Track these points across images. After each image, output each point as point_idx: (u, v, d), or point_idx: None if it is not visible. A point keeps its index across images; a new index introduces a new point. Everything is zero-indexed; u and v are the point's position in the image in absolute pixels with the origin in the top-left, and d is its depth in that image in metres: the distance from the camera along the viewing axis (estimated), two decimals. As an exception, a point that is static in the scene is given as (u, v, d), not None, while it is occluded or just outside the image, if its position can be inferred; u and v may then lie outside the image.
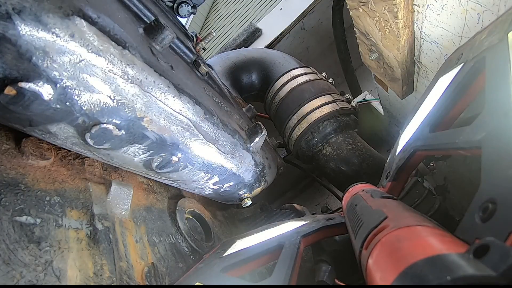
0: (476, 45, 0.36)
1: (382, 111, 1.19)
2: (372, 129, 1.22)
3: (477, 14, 0.42)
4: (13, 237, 0.33)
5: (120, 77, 0.40)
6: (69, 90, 0.36)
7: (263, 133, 0.72)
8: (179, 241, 0.58)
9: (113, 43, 0.39)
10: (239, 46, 1.68)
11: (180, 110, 0.50)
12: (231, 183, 0.69)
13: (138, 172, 0.55)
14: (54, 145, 0.44)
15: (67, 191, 0.43)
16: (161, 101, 0.46)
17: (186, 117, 0.51)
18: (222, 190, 0.70)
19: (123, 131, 0.43)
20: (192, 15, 0.97)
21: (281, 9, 1.70)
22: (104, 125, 0.41)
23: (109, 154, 0.47)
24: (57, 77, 0.34)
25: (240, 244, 0.49)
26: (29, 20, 0.31)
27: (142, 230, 0.52)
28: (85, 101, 0.38)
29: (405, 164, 0.44)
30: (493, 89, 0.28)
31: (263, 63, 1.24)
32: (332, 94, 1.06)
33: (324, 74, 1.18)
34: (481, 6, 0.41)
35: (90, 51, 0.36)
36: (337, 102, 1.03)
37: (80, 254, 0.38)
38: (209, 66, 1.06)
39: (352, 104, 1.08)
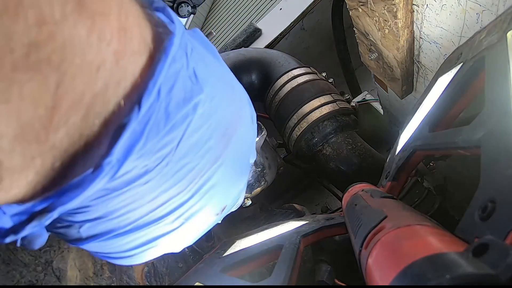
0: (475, 44, 0.36)
1: (381, 111, 1.19)
2: (372, 129, 1.23)
3: (476, 14, 0.42)
4: (13, 237, 0.33)
5: (120, 77, 0.40)
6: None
7: (263, 133, 0.72)
8: (179, 241, 0.58)
9: (112, 43, 0.39)
10: (239, 46, 1.68)
11: (180, 110, 0.50)
12: (231, 183, 0.69)
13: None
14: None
15: (67, 191, 0.43)
16: (161, 101, 0.46)
17: (186, 117, 0.51)
18: (222, 190, 0.70)
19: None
20: (192, 15, 0.97)
21: (280, 9, 1.70)
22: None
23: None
24: (57, 77, 0.34)
25: (240, 244, 0.49)
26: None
27: (142, 230, 0.52)
28: (85, 101, 0.38)
29: (405, 164, 0.44)
30: (492, 88, 0.28)
31: (263, 63, 1.24)
32: (332, 94, 1.06)
33: (324, 74, 1.18)
34: (480, 6, 0.41)
35: (89, 51, 0.36)
36: (337, 102, 1.03)
37: (80, 254, 0.38)
38: (209, 66, 1.06)
39: (352, 104, 1.08)
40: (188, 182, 0.22)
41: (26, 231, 0.17)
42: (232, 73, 0.30)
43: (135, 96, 0.18)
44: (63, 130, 0.15)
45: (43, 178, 0.16)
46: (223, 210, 0.28)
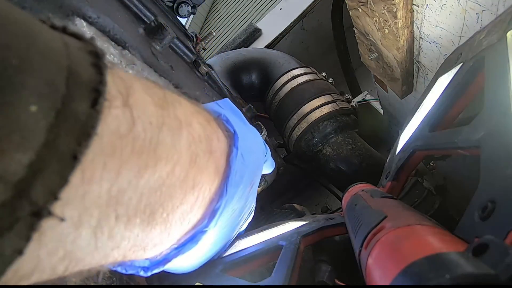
0: (475, 44, 0.36)
1: (381, 111, 1.19)
2: (372, 129, 1.22)
3: (476, 13, 0.43)
4: (13, 237, 0.33)
5: (120, 77, 0.40)
6: (69, 90, 0.36)
7: (263, 133, 0.72)
8: (179, 241, 0.58)
9: (113, 43, 0.39)
10: (239, 46, 1.68)
11: (180, 110, 0.50)
12: (231, 183, 0.69)
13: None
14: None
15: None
16: (161, 101, 0.46)
17: (186, 117, 0.51)
18: (222, 190, 0.70)
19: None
20: (192, 15, 0.97)
21: (280, 9, 1.70)
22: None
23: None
24: (57, 77, 0.34)
25: (240, 244, 0.49)
26: (29, 21, 0.31)
27: (142, 230, 0.51)
28: (85, 101, 0.38)
29: (405, 164, 0.44)
30: (492, 88, 0.28)
31: (263, 63, 1.24)
32: (332, 94, 1.06)
33: (324, 74, 1.18)
34: (480, 6, 0.41)
35: (90, 51, 0.36)
36: (337, 102, 1.03)
37: (80, 254, 0.38)
38: (209, 66, 1.06)
39: (352, 104, 1.08)
40: (232, 221, 0.35)
41: (161, 269, 0.29)
42: (251, 126, 0.41)
43: (223, 185, 0.29)
44: (190, 222, 0.27)
45: (176, 243, 0.28)
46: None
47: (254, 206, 0.44)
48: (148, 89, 0.21)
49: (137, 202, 0.19)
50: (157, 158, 0.19)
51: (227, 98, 0.40)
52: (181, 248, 0.29)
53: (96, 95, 0.14)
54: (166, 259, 0.29)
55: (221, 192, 0.29)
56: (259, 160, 0.39)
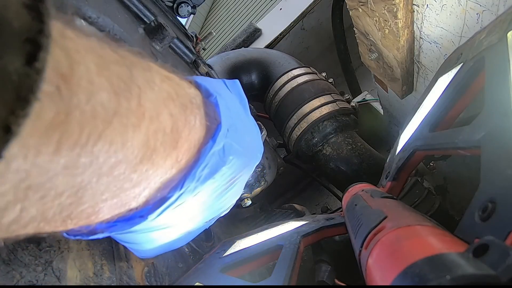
0: (476, 44, 0.36)
1: (381, 111, 1.19)
2: (372, 129, 1.22)
3: (477, 14, 0.43)
4: (13, 237, 0.33)
5: (120, 77, 0.40)
6: (69, 90, 0.36)
7: (263, 133, 0.72)
8: (179, 241, 0.58)
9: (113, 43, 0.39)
10: (239, 46, 1.68)
11: (180, 110, 0.50)
12: (231, 183, 0.69)
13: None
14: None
15: (67, 191, 0.43)
16: (161, 101, 0.46)
17: (186, 117, 0.51)
18: (222, 190, 0.70)
19: (123, 131, 0.43)
20: (192, 15, 0.97)
21: (280, 9, 1.70)
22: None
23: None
24: (57, 77, 0.34)
25: (240, 244, 0.49)
26: (29, 20, 0.31)
27: (142, 230, 0.51)
28: (85, 101, 0.38)
29: (405, 164, 0.44)
30: (492, 88, 0.28)
31: (263, 63, 1.24)
32: (332, 94, 1.06)
33: (324, 74, 1.18)
34: (481, 6, 0.41)
35: (89, 51, 0.36)
36: (337, 102, 1.03)
37: (80, 254, 0.38)
38: (209, 66, 1.06)
39: (352, 104, 1.08)
40: (199, 214, 0.32)
41: (84, 238, 0.28)
42: (253, 120, 0.38)
43: (180, 178, 0.25)
44: (126, 208, 0.23)
45: (108, 220, 0.24)
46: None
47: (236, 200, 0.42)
48: (107, 67, 0.17)
49: (63, 190, 0.16)
50: (93, 156, 0.16)
51: (237, 80, 0.36)
52: (112, 226, 0.26)
53: (33, 49, 0.11)
54: (92, 231, 0.26)
55: (176, 185, 0.25)
56: (250, 157, 0.35)
